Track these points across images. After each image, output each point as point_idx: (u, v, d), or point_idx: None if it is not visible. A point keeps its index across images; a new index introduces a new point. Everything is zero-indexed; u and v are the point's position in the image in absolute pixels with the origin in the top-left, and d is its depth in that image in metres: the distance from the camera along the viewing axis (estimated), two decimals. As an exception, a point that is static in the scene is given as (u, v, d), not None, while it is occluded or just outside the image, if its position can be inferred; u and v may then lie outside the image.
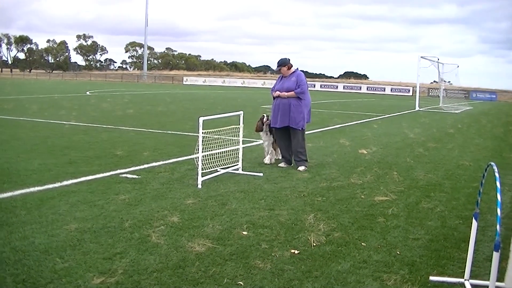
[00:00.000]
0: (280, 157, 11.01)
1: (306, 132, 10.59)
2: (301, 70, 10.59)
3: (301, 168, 10.33)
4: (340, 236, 6.21)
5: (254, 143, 13.56)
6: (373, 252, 5.71)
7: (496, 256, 4.01)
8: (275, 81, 11.06)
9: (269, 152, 10.90)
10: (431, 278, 5.02)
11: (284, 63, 10.51)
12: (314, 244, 5.86)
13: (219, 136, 9.47)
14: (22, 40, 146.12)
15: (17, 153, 10.98)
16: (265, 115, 10.92)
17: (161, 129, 16.63)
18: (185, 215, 6.80)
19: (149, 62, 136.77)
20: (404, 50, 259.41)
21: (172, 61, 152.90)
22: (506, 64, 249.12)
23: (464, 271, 4.98)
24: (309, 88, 10.68)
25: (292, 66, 10.58)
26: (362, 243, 6.00)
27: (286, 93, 10.30)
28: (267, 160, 10.89)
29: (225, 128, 9.53)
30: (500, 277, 4.52)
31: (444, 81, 45.64)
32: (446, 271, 5.26)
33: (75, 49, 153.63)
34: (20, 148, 11.71)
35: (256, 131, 10.91)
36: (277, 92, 10.42)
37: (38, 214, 6.57)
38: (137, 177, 9.03)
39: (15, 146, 11.98)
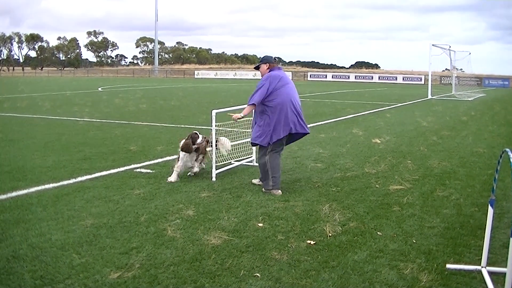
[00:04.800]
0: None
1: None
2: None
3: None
4: (356, 226, 6.20)
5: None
6: (389, 241, 5.70)
7: (513, 242, 3.99)
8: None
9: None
10: (448, 266, 5.00)
11: (261, 60, 8.45)
12: (330, 234, 5.86)
13: (232, 129, 9.48)
14: (33, 38, 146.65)
15: (31, 150, 11.04)
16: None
17: (175, 123, 16.67)
18: (200, 208, 6.81)
19: (160, 57, 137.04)
20: (415, 39, 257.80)
21: (183, 55, 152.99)
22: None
23: (481, 259, 4.96)
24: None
25: (273, 66, 8.29)
26: (378, 233, 5.99)
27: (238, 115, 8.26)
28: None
29: (238, 120, 9.51)
30: (518, 264, 4.50)
31: (456, 68, 45.37)
32: (463, 259, 5.25)
33: (86, 45, 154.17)
34: (34, 145, 11.78)
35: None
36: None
37: (54, 210, 6.62)
38: (151, 171, 9.06)
39: (29, 144, 12.05)
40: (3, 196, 7.28)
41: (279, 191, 7.82)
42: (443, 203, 7.34)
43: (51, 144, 12.06)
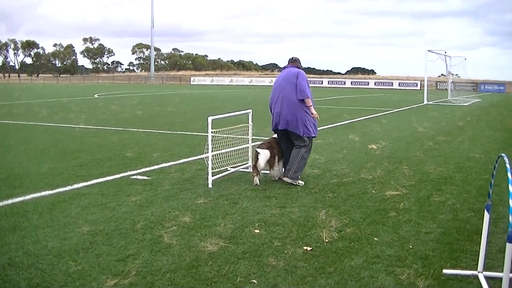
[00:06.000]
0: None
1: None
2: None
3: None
4: (352, 232, 6.20)
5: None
6: (385, 247, 5.70)
7: (509, 247, 3.99)
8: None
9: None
10: (445, 271, 5.00)
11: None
12: (327, 240, 5.86)
13: (229, 135, 9.47)
14: (29, 45, 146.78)
15: (28, 157, 11.02)
16: None
17: (171, 130, 16.65)
18: (197, 215, 6.81)
19: (156, 63, 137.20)
20: (411, 45, 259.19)
21: (179, 62, 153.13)
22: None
23: (478, 264, 4.96)
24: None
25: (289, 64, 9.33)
26: (375, 238, 5.99)
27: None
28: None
29: (234, 127, 9.53)
30: (514, 269, 4.50)
31: (452, 74, 45.42)
32: (460, 264, 5.25)
33: (82, 52, 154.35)
34: (30, 152, 11.75)
35: None
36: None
37: (50, 217, 6.60)
38: (147, 178, 9.04)
39: (25, 150, 12.03)
40: (-1, 204, 7.27)
41: (286, 178, 8.76)
42: (439, 209, 7.35)
43: (47, 150, 12.04)
